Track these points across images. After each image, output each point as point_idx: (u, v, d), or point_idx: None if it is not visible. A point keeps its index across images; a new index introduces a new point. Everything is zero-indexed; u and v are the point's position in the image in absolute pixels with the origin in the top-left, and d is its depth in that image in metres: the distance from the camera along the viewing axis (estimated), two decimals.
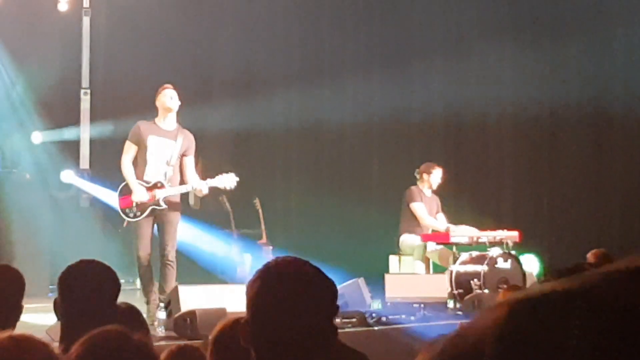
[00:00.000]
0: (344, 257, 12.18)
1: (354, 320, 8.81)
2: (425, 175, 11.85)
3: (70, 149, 14.47)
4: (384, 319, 9.13)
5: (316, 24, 15.76)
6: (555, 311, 0.98)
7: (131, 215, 9.39)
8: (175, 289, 8.68)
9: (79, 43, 13.89)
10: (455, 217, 11.86)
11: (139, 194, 9.30)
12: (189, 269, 12.78)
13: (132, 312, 4.31)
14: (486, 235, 11.17)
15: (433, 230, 11.61)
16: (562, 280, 1.02)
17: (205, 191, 9.59)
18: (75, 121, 14.60)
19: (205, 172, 16.59)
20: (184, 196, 15.72)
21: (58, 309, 3.79)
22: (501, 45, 14.11)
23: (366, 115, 15.08)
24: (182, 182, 9.53)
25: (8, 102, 14.05)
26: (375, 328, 8.88)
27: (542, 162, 14.02)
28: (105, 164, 13.04)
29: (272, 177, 15.82)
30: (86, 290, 3.76)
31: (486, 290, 10.23)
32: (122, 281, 4.07)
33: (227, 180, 9.70)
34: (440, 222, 11.69)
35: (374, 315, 9.14)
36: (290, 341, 2.41)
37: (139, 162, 9.43)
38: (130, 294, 11.83)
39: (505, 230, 11.29)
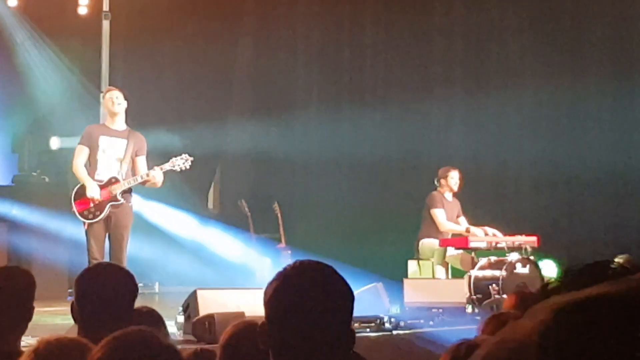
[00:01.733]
0: (363, 262, 12.17)
1: (372, 324, 8.80)
2: (443, 180, 11.88)
3: None
4: (402, 323, 9.12)
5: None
6: (600, 315, 0.97)
7: (90, 216, 9.18)
8: (194, 293, 8.66)
9: (98, 47, 13.92)
10: (474, 222, 11.85)
11: (92, 190, 9.11)
12: (208, 272, 12.80)
13: (153, 315, 4.29)
14: (505, 240, 11.15)
15: (453, 235, 11.61)
16: (606, 284, 1.01)
17: (160, 178, 9.29)
18: None
19: (225, 181, 16.64)
20: (200, 202, 15.70)
21: (74, 312, 3.78)
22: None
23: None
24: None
25: (27, 105, 14.09)
26: (394, 333, 8.87)
27: (561, 165, 13.96)
28: None
29: (291, 181, 15.82)
30: (102, 293, 3.73)
31: (504, 296, 10.19)
32: (140, 284, 4.05)
33: (181, 162, 9.52)
34: (461, 224, 11.71)
35: (392, 319, 9.12)
36: (307, 344, 2.40)
37: (91, 163, 9.30)
38: (149, 297, 11.86)
39: (524, 236, 11.26)
